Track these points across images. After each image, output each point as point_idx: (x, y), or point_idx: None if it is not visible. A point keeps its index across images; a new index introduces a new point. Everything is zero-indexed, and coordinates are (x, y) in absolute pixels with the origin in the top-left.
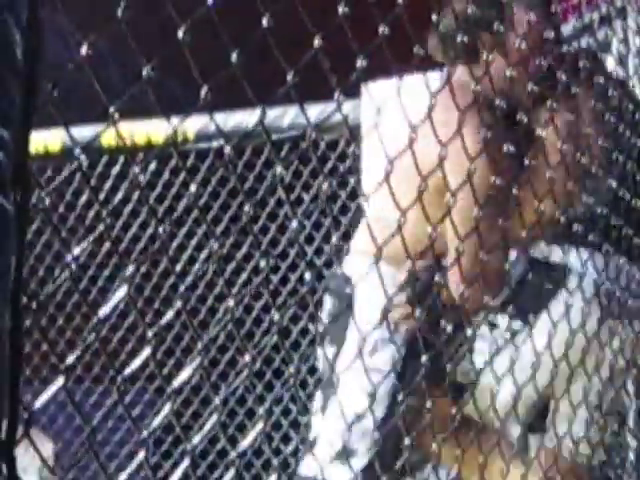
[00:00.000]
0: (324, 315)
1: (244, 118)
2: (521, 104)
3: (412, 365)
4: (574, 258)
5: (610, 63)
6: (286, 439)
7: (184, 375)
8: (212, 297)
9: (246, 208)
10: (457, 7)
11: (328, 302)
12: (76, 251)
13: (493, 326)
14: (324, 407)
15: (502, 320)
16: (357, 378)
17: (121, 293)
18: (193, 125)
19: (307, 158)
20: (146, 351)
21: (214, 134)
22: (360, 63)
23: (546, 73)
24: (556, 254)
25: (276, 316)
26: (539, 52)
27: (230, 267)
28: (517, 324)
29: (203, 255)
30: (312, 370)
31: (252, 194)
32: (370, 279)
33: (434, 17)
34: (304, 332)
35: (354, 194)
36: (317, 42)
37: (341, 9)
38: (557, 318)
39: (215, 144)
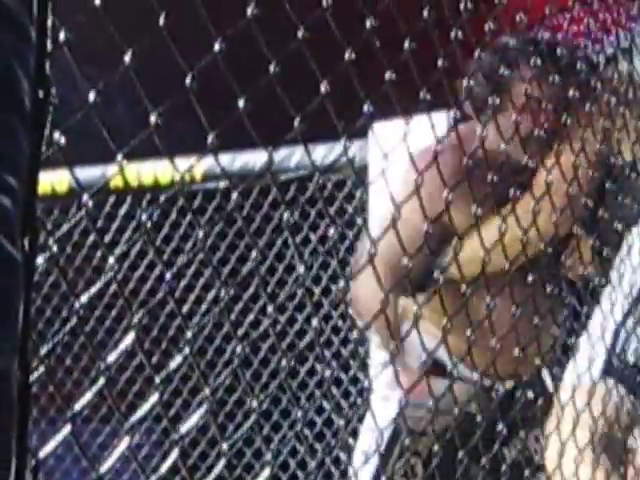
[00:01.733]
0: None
1: (251, 158)
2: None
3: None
4: None
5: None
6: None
7: (191, 421)
8: (220, 337)
9: (253, 253)
10: (480, 64)
11: None
12: (83, 298)
13: None
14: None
15: None
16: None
17: (129, 340)
18: (201, 165)
19: (315, 198)
20: (154, 397)
21: (222, 174)
22: (366, 109)
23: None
24: None
25: (284, 361)
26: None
27: (237, 307)
28: None
29: (211, 295)
30: (319, 410)
31: (259, 235)
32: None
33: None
34: (311, 373)
35: (361, 234)
36: (324, 88)
37: (347, 55)
38: None
39: (223, 184)
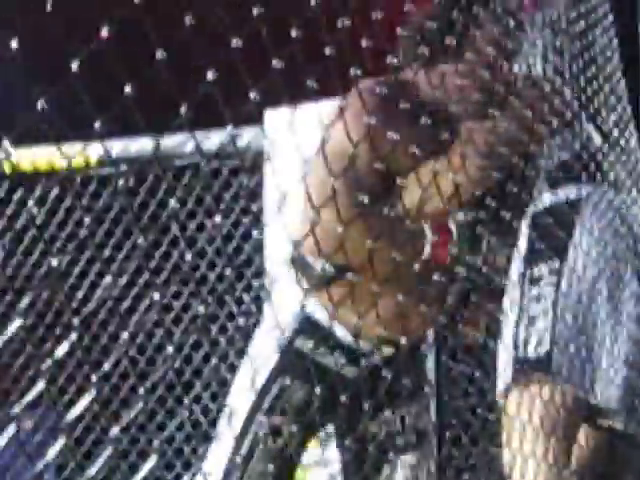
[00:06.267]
0: None
1: (146, 144)
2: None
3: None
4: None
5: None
6: None
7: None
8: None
9: (140, 240)
10: (425, 12)
11: None
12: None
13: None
14: None
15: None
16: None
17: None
18: (95, 150)
19: (210, 184)
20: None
21: (118, 160)
22: (253, 97)
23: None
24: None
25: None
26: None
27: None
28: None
29: (103, 284)
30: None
31: (154, 221)
32: None
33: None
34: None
35: (257, 219)
36: (210, 75)
37: (234, 42)
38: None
39: (118, 170)
